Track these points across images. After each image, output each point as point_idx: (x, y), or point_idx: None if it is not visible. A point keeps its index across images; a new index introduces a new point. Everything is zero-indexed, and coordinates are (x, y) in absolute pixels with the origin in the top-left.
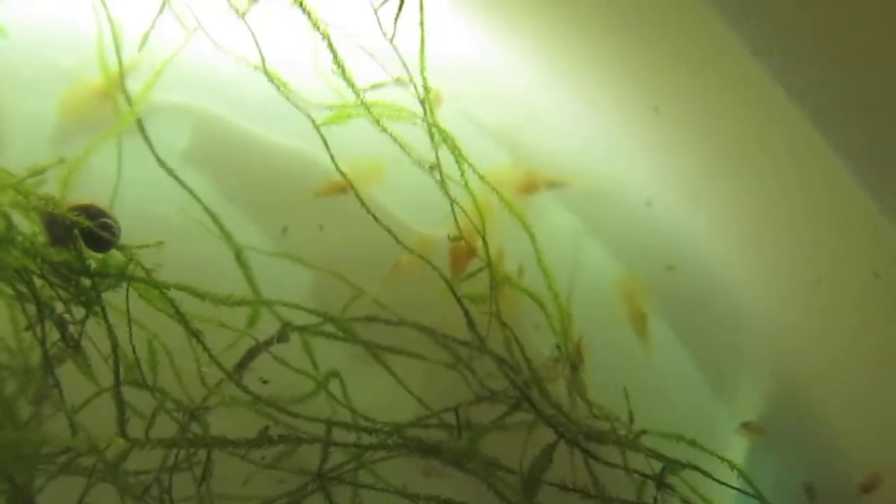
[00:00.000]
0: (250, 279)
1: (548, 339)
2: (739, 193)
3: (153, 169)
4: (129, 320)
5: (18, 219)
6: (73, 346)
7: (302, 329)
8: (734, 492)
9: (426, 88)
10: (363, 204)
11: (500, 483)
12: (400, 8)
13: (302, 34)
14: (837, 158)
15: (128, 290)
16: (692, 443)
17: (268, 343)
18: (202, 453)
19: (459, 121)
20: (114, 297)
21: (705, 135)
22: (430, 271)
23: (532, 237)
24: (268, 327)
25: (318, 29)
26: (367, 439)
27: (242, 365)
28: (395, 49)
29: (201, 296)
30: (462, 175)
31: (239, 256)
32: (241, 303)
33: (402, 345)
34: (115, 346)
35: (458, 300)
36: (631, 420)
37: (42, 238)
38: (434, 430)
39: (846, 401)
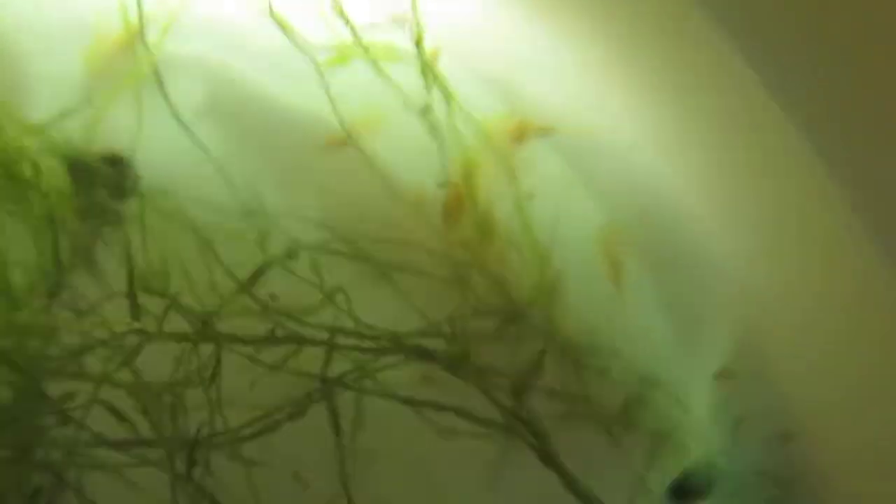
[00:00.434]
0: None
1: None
2: (714, 149)
3: (168, 120)
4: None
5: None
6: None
7: (310, 248)
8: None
9: (419, 28)
10: (365, 154)
11: (492, 388)
12: None
13: None
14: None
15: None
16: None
17: (278, 259)
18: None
19: (458, 73)
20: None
21: (684, 91)
22: (429, 206)
23: (516, 183)
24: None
25: None
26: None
27: (254, 278)
28: None
29: (215, 209)
30: (451, 119)
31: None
32: (253, 214)
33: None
34: (128, 247)
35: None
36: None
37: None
38: (431, 340)
39: (808, 353)
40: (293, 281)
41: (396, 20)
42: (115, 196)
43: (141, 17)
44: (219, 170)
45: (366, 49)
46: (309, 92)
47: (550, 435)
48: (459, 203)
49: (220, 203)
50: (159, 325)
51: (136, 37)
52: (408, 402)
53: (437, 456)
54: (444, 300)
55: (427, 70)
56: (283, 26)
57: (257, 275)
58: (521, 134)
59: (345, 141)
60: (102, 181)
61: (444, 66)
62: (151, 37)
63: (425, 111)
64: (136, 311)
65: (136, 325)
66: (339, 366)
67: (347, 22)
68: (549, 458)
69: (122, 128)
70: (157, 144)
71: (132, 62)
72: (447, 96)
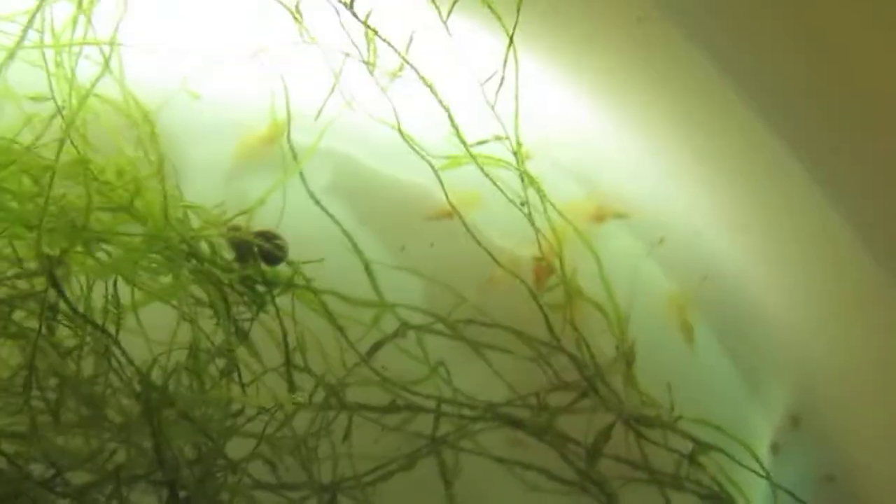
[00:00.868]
0: (375, 286)
1: (610, 342)
2: (773, 227)
3: (303, 199)
4: (294, 317)
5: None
6: (244, 337)
7: (416, 327)
8: (763, 481)
9: (519, 144)
10: (466, 227)
11: (570, 453)
12: (500, 84)
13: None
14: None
15: (293, 295)
16: (718, 428)
17: (389, 337)
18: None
19: (546, 163)
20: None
21: (747, 181)
22: (518, 283)
23: (597, 259)
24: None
25: (441, 102)
26: (467, 415)
27: (370, 353)
28: (497, 115)
29: (345, 299)
30: (545, 209)
31: (367, 268)
32: (373, 305)
33: (495, 342)
34: (284, 334)
35: (540, 307)
36: (672, 408)
37: (230, 256)
38: (519, 410)
39: (863, 402)
40: (403, 355)
41: (499, 137)
42: (270, 263)
43: (288, 117)
44: (344, 243)
45: (475, 158)
46: (422, 179)
47: (616, 494)
48: (548, 267)
49: (344, 277)
50: (309, 398)
51: (280, 133)
52: (499, 460)
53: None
54: (527, 375)
55: (524, 175)
56: (407, 139)
57: (374, 349)
58: (600, 216)
59: (449, 215)
60: (259, 252)
61: (536, 160)
62: (293, 133)
63: (523, 204)
64: (291, 385)
65: (296, 397)
66: (442, 428)
67: (462, 140)
68: None
69: (266, 207)
70: (291, 219)
71: (275, 153)
72: (539, 191)
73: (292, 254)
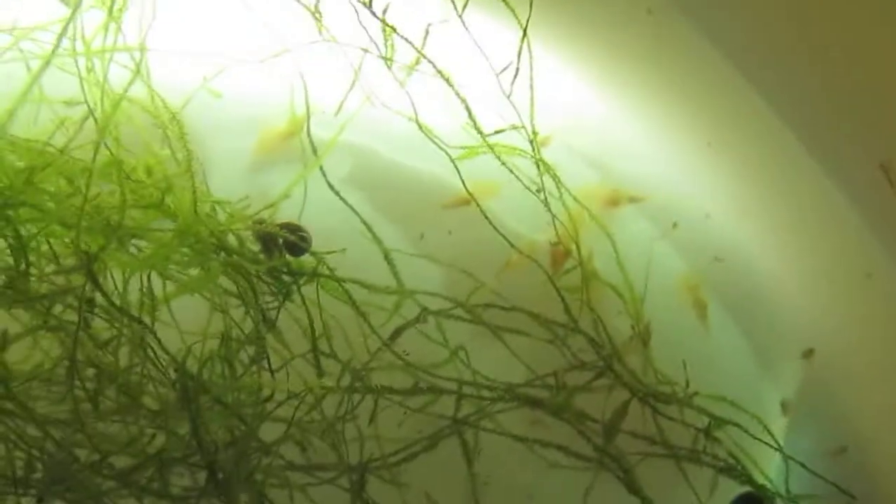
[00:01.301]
0: (395, 274)
1: (626, 323)
2: (782, 209)
3: (323, 191)
4: (319, 305)
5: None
6: (272, 325)
7: (436, 313)
8: (776, 454)
9: (535, 133)
10: (483, 214)
11: (587, 430)
12: (515, 75)
13: (442, 94)
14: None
15: (317, 284)
16: (733, 404)
17: (411, 323)
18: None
19: (561, 150)
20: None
21: (748, 162)
22: (534, 269)
23: (612, 242)
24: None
25: (457, 94)
26: (487, 396)
27: (393, 338)
28: (512, 104)
29: (368, 287)
30: (560, 195)
31: (387, 257)
32: (394, 292)
33: (513, 325)
34: (311, 321)
35: (557, 290)
36: (687, 385)
37: (256, 248)
38: (538, 390)
39: (871, 376)
40: (423, 340)
41: (515, 126)
42: (295, 254)
43: (308, 113)
44: (364, 233)
45: (491, 147)
46: (439, 169)
47: (634, 468)
48: (565, 251)
49: (365, 266)
50: (337, 382)
51: (298, 129)
52: (519, 439)
53: (543, 483)
54: (544, 357)
55: (540, 162)
56: (424, 130)
57: (396, 334)
58: (615, 201)
59: (466, 203)
60: (284, 243)
61: (552, 147)
62: (312, 128)
63: (539, 190)
64: (319, 371)
65: (324, 383)
66: (463, 409)
67: (479, 129)
68: (633, 488)
69: (287, 200)
70: (312, 210)
71: (294, 148)
72: (554, 177)
73: (315, 245)
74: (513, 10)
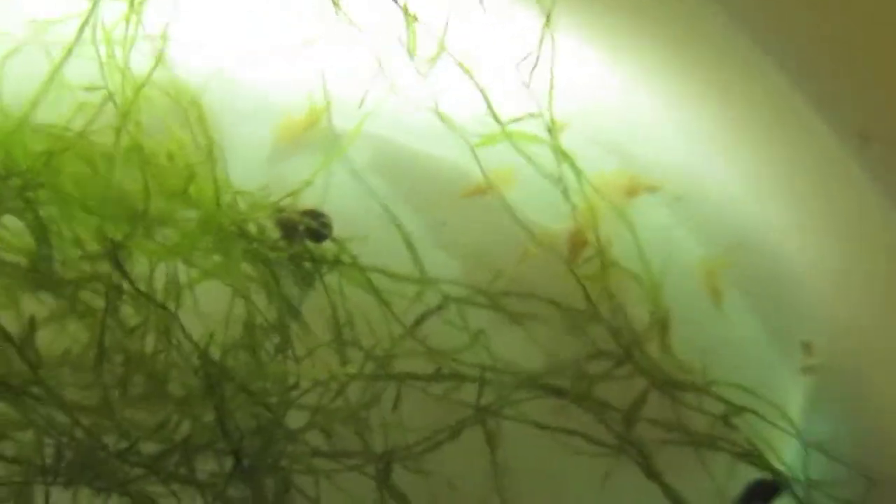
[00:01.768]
0: (418, 262)
1: (644, 312)
2: (802, 194)
3: (345, 180)
4: (341, 292)
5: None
6: (296, 313)
7: (457, 300)
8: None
9: (553, 122)
10: (503, 201)
11: (608, 418)
12: (536, 63)
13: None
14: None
15: (339, 272)
16: (749, 391)
17: (433, 310)
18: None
19: (579, 137)
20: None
21: (772, 148)
22: (552, 258)
23: (632, 229)
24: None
25: (477, 85)
26: (511, 382)
27: (415, 326)
28: (532, 92)
29: (390, 275)
30: (579, 183)
31: (409, 245)
32: (416, 280)
33: (531, 314)
34: (334, 308)
35: (576, 276)
36: (705, 373)
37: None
38: (558, 378)
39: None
40: (444, 328)
41: (533, 115)
42: (316, 240)
43: (327, 103)
44: (387, 223)
45: (510, 135)
46: (458, 158)
47: (653, 455)
48: (583, 240)
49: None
50: (360, 369)
51: (318, 118)
52: (541, 426)
53: (565, 470)
54: (563, 345)
55: (558, 150)
56: (443, 119)
57: (419, 321)
58: (633, 189)
59: (485, 191)
60: (306, 230)
61: (569, 134)
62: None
63: (557, 180)
64: (343, 358)
65: (348, 370)
66: (484, 397)
67: (496, 118)
68: (652, 473)
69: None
70: (335, 198)
71: (314, 137)
72: (572, 166)
73: (337, 232)
74: None
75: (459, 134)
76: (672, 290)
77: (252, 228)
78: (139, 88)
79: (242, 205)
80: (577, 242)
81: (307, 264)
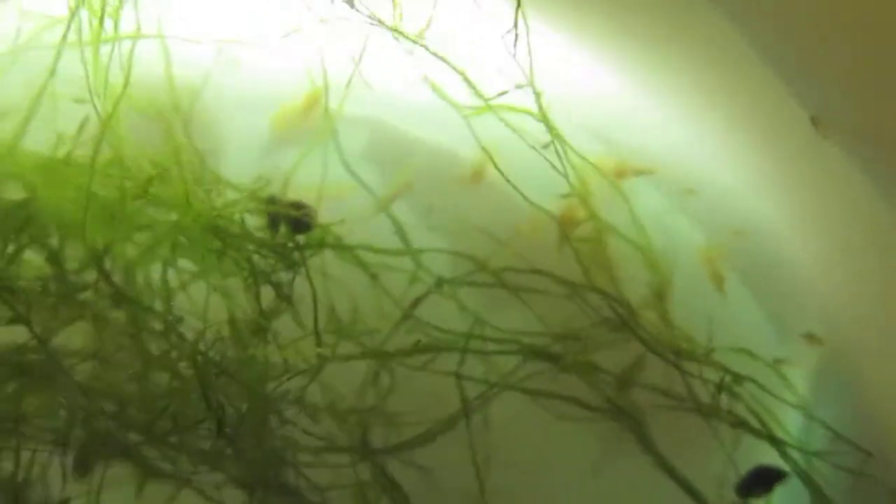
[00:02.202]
0: (407, 243)
1: (639, 286)
2: (798, 181)
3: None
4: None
5: None
6: (287, 300)
7: (451, 281)
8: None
9: (538, 93)
10: (505, 177)
11: (601, 383)
12: (516, 39)
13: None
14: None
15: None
16: (752, 355)
17: (430, 290)
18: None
19: (564, 122)
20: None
21: (764, 135)
22: (543, 237)
23: (626, 199)
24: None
25: (455, 69)
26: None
27: (413, 307)
28: (518, 63)
29: (376, 251)
30: (565, 156)
31: (399, 230)
32: (405, 252)
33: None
34: (314, 295)
35: (572, 246)
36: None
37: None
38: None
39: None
40: (441, 303)
41: (518, 86)
42: (300, 231)
43: (326, 87)
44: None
45: (497, 108)
46: (450, 137)
47: (650, 422)
48: (575, 214)
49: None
50: (332, 350)
51: (315, 104)
52: (529, 392)
53: (555, 436)
54: (560, 318)
55: (545, 118)
56: (434, 88)
57: (415, 304)
58: (621, 173)
59: (480, 173)
60: (289, 222)
61: (556, 120)
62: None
63: (546, 146)
64: (319, 341)
65: (322, 351)
66: (479, 369)
67: (480, 95)
68: (643, 440)
69: (302, 175)
70: (330, 188)
71: (312, 124)
72: (559, 138)
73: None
74: None
75: (453, 105)
76: (671, 275)
77: (234, 222)
78: (118, 101)
79: (230, 198)
80: (568, 219)
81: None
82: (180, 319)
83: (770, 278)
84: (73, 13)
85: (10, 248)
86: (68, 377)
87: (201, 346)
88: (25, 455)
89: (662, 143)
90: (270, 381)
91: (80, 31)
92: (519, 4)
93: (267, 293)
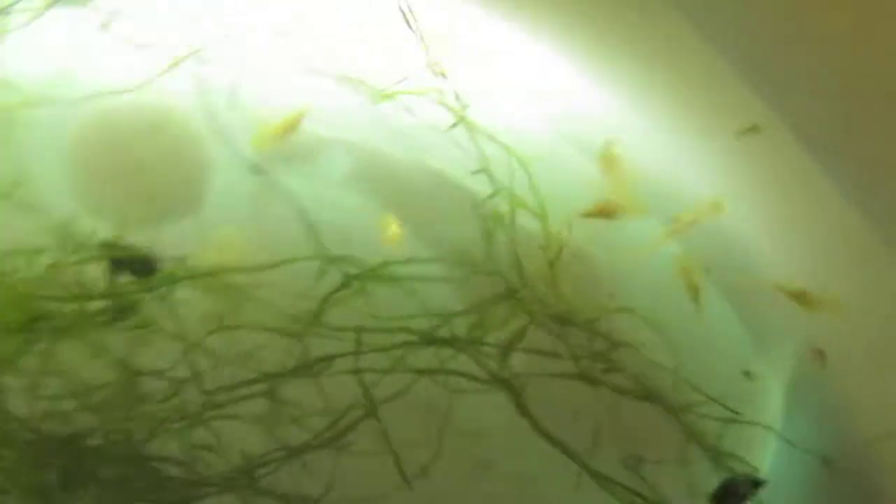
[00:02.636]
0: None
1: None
2: (772, 192)
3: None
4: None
5: None
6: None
7: (357, 276)
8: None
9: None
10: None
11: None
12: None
13: None
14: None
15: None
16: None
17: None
18: None
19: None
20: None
21: (738, 148)
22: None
23: (524, 166)
24: None
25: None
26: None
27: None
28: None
29: (232, 270)
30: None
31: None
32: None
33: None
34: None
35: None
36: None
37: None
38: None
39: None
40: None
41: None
42: (145, 274)
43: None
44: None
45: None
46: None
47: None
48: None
49: None
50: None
51: (293, 125)
52: (420, 372)
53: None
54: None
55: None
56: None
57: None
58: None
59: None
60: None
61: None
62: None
63: (453, 126)
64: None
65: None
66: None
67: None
68: (521, 407)
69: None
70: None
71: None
72: (463, 119)
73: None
74: None
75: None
76: (647, 285)
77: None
78: None
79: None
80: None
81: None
82: None
83: (747, 289)
84: None
85: None
86: None
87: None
88: None
89: (644, 155)
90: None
91: None
92: None
93: None
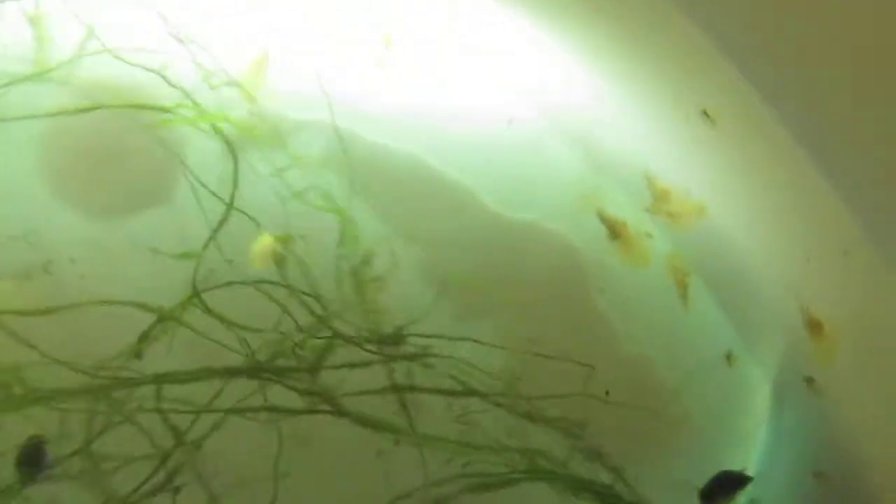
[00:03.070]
0: None
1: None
2: (759, 187)
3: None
4: None
5: None
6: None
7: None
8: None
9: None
10: None
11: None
12: None
13: None
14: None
15: None
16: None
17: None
18: None
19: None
20: None
21: (727, 142)
22: None
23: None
24: None
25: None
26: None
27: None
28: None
29: None
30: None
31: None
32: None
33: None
34: None
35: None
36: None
37: None
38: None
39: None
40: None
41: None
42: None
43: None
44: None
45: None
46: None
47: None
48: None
49: None
50: None
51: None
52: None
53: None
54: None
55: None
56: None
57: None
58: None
59: None
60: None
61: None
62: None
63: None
64: None
65: None
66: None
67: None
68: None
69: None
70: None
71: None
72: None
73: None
74: None
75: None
76: (635, 281)
77: None
78: None
79: None
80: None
81: None
82: None
83: (733, 284)
84: None
85: None
86: None
87: None
88: None
89: (631, 147)
90: None
91: None
92: None
93: None
